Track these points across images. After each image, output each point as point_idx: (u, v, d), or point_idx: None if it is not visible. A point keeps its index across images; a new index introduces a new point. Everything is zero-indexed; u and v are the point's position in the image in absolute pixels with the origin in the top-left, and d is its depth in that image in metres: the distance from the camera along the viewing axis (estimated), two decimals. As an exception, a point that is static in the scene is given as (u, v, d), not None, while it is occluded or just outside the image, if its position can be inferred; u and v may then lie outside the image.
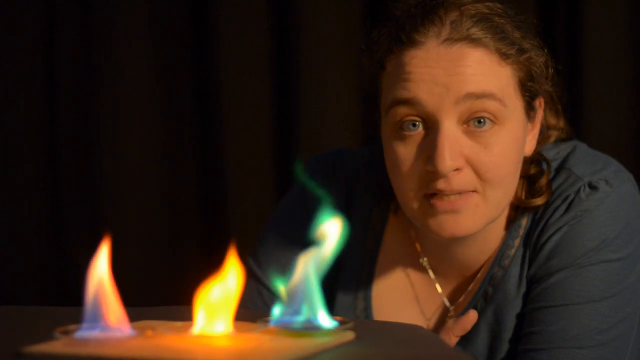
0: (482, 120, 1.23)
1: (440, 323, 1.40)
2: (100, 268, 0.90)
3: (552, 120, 1.43)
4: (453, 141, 1.23)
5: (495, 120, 1.24)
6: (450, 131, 1.23)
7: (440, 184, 1.24)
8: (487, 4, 1.28)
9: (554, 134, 1.42)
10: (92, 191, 2.19)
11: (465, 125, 1.24)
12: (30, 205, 2.22)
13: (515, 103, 1.27)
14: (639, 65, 1.95)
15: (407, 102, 1.24)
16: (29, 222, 2.22)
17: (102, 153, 2.18)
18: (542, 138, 1.39)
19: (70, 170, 2.21)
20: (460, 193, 1.24)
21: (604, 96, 1.94)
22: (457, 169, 1.23)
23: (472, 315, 1.30)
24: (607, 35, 1.93)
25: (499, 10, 1.28)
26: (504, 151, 1.25)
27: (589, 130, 1.92)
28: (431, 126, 1.24)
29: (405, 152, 1.26)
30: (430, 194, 1.26)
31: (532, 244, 1.33)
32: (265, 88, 2.14)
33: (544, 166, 1.36)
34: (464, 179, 1.24)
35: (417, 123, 1.25)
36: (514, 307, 1.33)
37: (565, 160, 1.37)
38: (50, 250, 2.22)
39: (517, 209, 1.36)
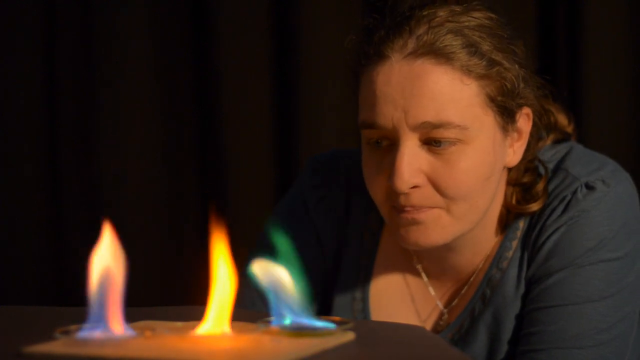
0: (442, 142, 1.24)
1: (435, 326, 1.40)
2: (105, 257, 0.90)
3: (563, 121, 1.43)
4: (412, 159, 1.23)
5: (457, 141, 1.24)
6: (409, 150, 1.23)
7: (401, 200, 1.25)
8: (466, 16, 1.26)
9: (551, 136, 1.41)
10: (92, 191, 2.19)
11: (426, 145, 1.24)
12: (30, 205, 2.22)
13: (482, 120, 1.25)
14: (639, 65, 1.95)
15: (370, 126, 1.26)
16: (29, 222, 2.22)
17: (102, 153, 2.18)
18: (539, 141, 1.39)
19: (70, 170, 2.21)
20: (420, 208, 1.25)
21: (604, 96, 1.94)
22: (416, 186, 1.24)
23: None
24: (607, 35, 1.93)
25: (473, 22, 1.26)
26: (468, 168, 1.25)
27: (589, 130, 1.92)
28: (394, 143, 1.25)
29: (374, 166, 1.28)
30: (395, 207, 1.27)
31: (530, 245, 1.33)
32: (265, 88, 2.14)
33: (542, 171, 1.36)
34: (424, 195, 1.25)
35: (381, 141, 1.26)
36: (513, 308, 1.33)
37: (561, 161, 1.37)
38: (50, 250, 2.22)
39: (511, 213, 1.36)
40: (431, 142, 1.24)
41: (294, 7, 2.09)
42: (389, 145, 1.26)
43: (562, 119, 1.43)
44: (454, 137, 1.23)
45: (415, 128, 1.23)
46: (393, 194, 1.26)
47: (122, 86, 2.16)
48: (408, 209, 1.26)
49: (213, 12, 2.13)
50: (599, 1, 1.93)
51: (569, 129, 1.44)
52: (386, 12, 1.29)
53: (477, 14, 1.27)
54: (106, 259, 0.90)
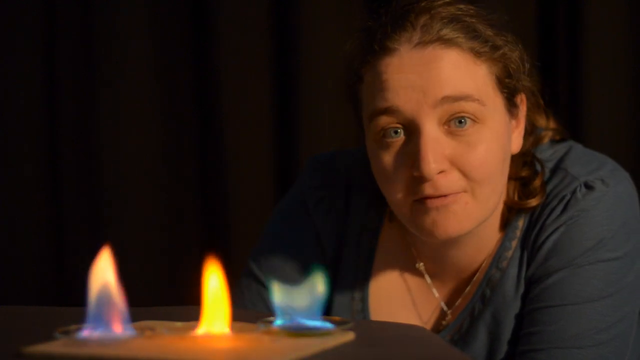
0: (462, 120, 1.24)
1: (437, 325, 1.40)
2: (104, 274, 0.90)
3: (541, 121, 1.43)
4: (435, 144, 1.23)
5: (476, 119, 1.25)
6: (432, 134, 1.23)
7: (428, 189, 1.24)
8: (458, 5, 1.28)
9: (547, 135, 1.41)
10: (92, 191, 2.19)
11: (446, 127, 1.24)
12: (30, 205, 2.22)
13: (494, 101, 1.27)
14: (639, 65, 1.95)
15: (387, 111, 1.25)
16: (29, 222, 2.22)
17: (102, 153, 2.18)
18: (534, 139, 1.39)
19: (70, 170, 2.21)
20: (448, 195, 1.25)
21: (604, 96, 1.94)
22: (442, 172, 1.24)
23: None
24: (607, 35, 1.93)
25: (470, 10, 1.28)
26: (488, 149, 1.25)
27: (589, 130, 1.92)
28: (413, 131, 1.25)
29: (390, 159, 1.27)
30: (419, 199, 1.26)
31: (530, 245, 1.33)
32: (265, 88, 2.14)
33: (538, 168, 1.36)
34: (451, 180, 1.25)
35: (399, 130, 1.25)
36: (513, 308, 1.33)
37: (560, 161, 1.37)
38: (50, 250, 2.22)
39: (511, 211, 1.36)
40: (451, 122, 1.24)
41: (294, 7, 2.09)
42: (406, 135, 1.25)
43: (539, 119, 1.43)
44: (473, 111, 1.24)
45: (435, 105, 1.23)
46: (417, 185, 1.25)
47: (122, 86, 2.16)
48: (435, 198, 1.25)
49: (213, 12, 2.13)
50: (599, 1, 1.93)
51: (551, 126, 1.44)
52: (382, 12, 1.29)
53: (463, 7, 1.29)
54: (104, 276, 0.90)
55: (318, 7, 2.07)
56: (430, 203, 1.25)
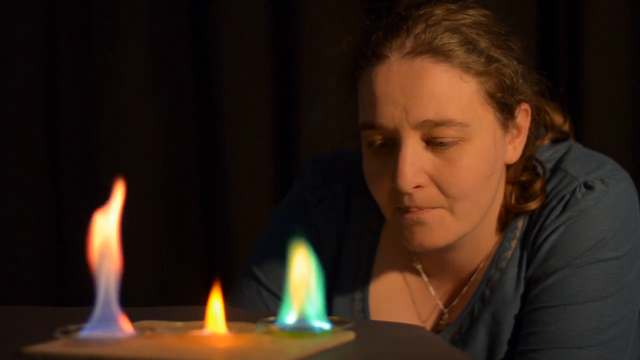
0: (443, 142, 1.24)
1: (436, 326, 1.40)
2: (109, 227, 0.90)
3: (559, 120, 1.43)
4: (414, 159, 1.23)
5: (459, 139, 1.24)
6: (412, 149, 1.24)
7: (405, 201, 1.26)
8: (459, 14, 1.27)
9: (548, 136, 1.41)
10: (92, 191, 2.19)
11: (428, 142, 1.25)
12: (30, 205, 2.22)
13: (482, 117, 1.26)
14: (639, 65, 1.95)
15: (371, 127, 1.26)
16: (29, 222, 2.22)
17: (102, 153, 2.18)
18: (537, 140, 1.39)
19: (70, 170, 2.21)
20: (423, 209, 1.25)
21: (604, 96, 1.94)
22: (419, 186, 1.24)
23: None
24: (607, 35, 1.93)
25: (472, 19, 1.27)
26: (470, 165, 1.25)
27: (589, 130, 1.92)
28: (396, 143, 1.25)
29: (377, 167, 1.28)
30: (399, 208, 1.27)
31: (529, 245, 1.33)
32: (265, 88, 2.14)
33: (539, 171, 1.36)
34: (428, 195, 1.25)
35: (388, 143, 1.26)
36: (512, 308, 1.33)
37: (560, 161, 1.37)
38: (50, 250, 2.22)
39: (510, 213, 1.36)
40: (433, 142, 1.24)
41: (294, 6, 2.09)
42: (391, 146, 1.26)
43: (557, 119, 1.43)
44: (455, 134, 1.23)
45: (416, 127, 1.23)
46: (397, 195, 1.26)
47: (121, 86, 2.16)
48: (412, 209, 1.26)
49: (213, 12, 2.13)
50: (599, 1, 1.93)
51: (565, 128, 1.44)
52: (382, 14, 1.29)
53: (472, 12, 1.28)
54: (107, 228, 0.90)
55: (318, 6, 2.07)
56: (407, 215, 1.26)
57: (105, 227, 0.90)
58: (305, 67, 2.09)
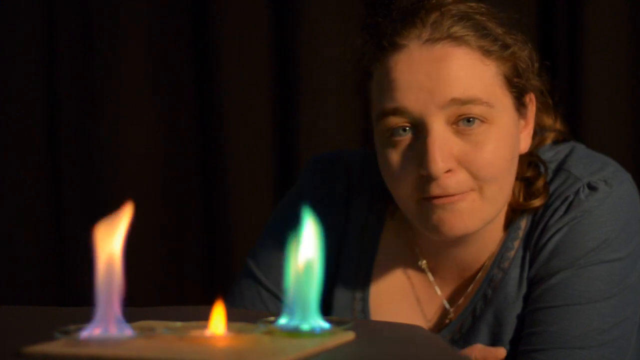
0: (470, 119, 1.24)
1: (440, 325, 1.40)
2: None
3: (548, 121, 1.43)
4: (443, 143, 1.23)
5: (484, 120, 1.25)
6: (440, 133, 1.23)
7: (435, 189, 1.25)
8: (469, 3, 1.28)
9: (550, 136, 1.41)
10: (92, 191, 2.19)
11: (454, 126, 1.25)
12: (30, 205, 2.22)
13: (502, 101, 1.27)
14: (639, 65, 1.95)
15: (395, 111, 1.25)
16: (29, 222, 2.22)
17: (102, 153, 2.18)
18: (539, 140, 1.40)
19: (70, 170, 2.21)
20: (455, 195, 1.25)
21: (603, 96, 1.94)
22: (449, 171, 1.24)
23: (501, 352, 1.30)
24: (607, 35, 1.93)
25: (481, 8, 1.29)
26: (496, 149, 1.26)
27: (589, 130, 1.92)
28: (421, 130, 1.25)
29: (398, 158, 1.27)
30: (426, 197, 1.26)
31: (532, 245, 1.33)
32: (265, 88, 2.14)
33: (541, 168, 1.36)
34: (458, 180, 1.25)
35: (407, 128, 1.26)
36: (515, 308, 1.33)
37: (563, 162, 1.37)
38: (50, 249, 2.22)
39: (515, 211, 1.36)
40: (459, 122, 1.24)
41: (294, 6, 2.09)
42: (414, 133, 1.26)
43: (547, 120, 1.43)
44: (480, 113, 1.24)
45: (443, 107, 1.23)
46: (424, 185, 1.25)
47: (121, 86, 2.16)
48: (442, 197, 1.25)
49: (213, 12, 2.13)
50: (599, 1, 1.93)
51: (557, 126, 1.44)
52: (392, 8, 1.29)
53: (475, 5, 1.29)
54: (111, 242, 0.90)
55: (318, 6, 2.07)
56: (437, 201, 1.26)
57: (110, 246, 0.89)
58: (305, 67, 2.09)
